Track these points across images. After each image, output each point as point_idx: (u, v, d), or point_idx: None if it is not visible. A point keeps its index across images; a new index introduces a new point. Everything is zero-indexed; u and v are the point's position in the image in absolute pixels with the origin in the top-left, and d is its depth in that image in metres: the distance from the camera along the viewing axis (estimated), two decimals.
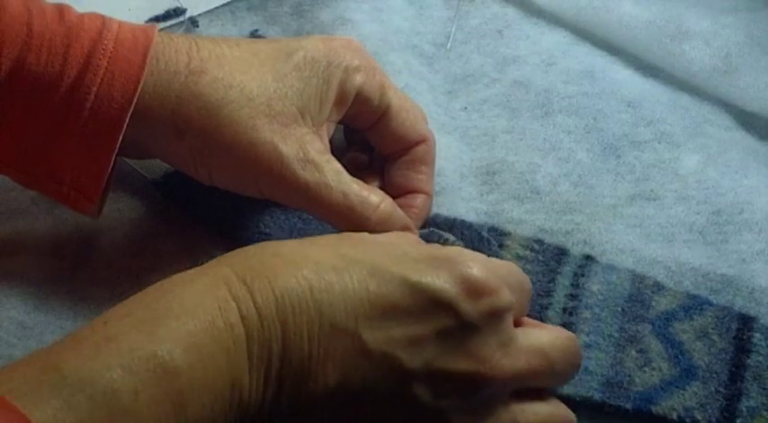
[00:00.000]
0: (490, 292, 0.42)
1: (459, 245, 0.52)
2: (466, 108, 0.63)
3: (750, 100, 0.61)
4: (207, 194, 0.55)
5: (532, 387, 0.44)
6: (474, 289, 0.42)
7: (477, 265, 0.43)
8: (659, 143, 0.60)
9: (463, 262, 0.43)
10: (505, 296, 0.43)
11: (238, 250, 0.43)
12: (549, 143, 0.60)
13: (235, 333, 0.39)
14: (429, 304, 0.41)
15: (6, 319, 0.51)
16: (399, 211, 0.51)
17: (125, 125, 0.48)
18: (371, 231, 0.49)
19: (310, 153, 0.49)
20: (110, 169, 0.49)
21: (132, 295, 0.51)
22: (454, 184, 0.58)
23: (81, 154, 0.49)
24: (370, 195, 0.50)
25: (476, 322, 0.42)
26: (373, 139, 0.55)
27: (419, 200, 0.54)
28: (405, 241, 0.46)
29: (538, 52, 0.65)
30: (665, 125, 0.61)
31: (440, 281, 0.42)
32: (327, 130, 0.52)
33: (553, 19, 0.68)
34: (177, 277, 0.42)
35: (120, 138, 0.48)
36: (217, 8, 0.68)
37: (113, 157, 0.49)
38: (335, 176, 0.50)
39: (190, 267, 0.53)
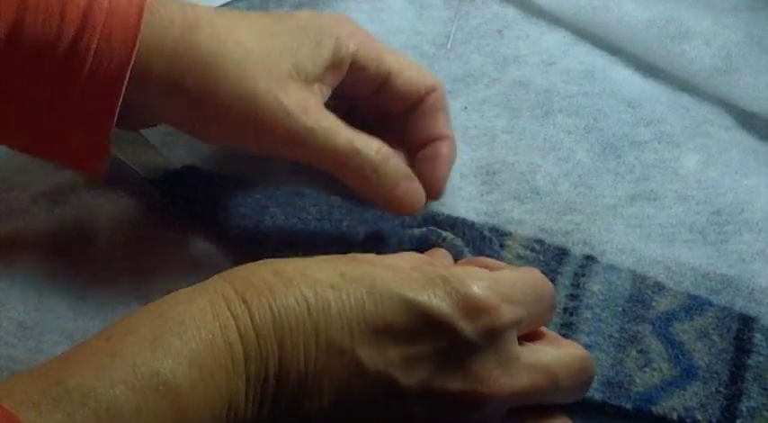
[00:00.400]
0: (488, 310, 0.41)
1: (458, 243, 0.52)
2: (466, 108, 0.62)
3: (750, 100, 0.61)
4: (207, 194, 0.55)
5: (537, 404, 0.44)
6: (472, 307, 0.41)
7: (476, 282, 0.42)
8: (659, 143, 0.60)
9: (462, 280, 0.42)
10: (506, 313, 0.42)
11: (240, 267, 0.43)
12: (549, 143, 0.60)
13: (234, 352, 0.39)
14: (425, 323, 0.41)
15: (6, 319, 0.51)
16: (399, 159, 0.52)
17: (125, 82, 0.48)
18: (374, 174, 0.50)
19: (310, 103, 0.50)
20: (113, 125, 0.49)
21: (132, 294, 0.52)
22: (454, 184, 0.58)
23: (83, 113, 0.48)
24: (370, 139, 0.51)
25: (473, 341, 0.41)
26: (381, 102, 0.55)
27: (444, 146, 0.54)
28: (409, 261, 0.44)
29: (538, 52, 0.65)
30: (665, 125, 0.61)
31: (436, 300, 0.41)
32: (322, 94, 0.52)
33: (553, 19, 0.67)
34: (179, 294, 0.41)
35: (122, 95, 0.48)
36: (217, 8, 0.68)
37: (115, 115, 0.49)
38: (338, 123, 0.50)
39: (189, 267, 0.54)
